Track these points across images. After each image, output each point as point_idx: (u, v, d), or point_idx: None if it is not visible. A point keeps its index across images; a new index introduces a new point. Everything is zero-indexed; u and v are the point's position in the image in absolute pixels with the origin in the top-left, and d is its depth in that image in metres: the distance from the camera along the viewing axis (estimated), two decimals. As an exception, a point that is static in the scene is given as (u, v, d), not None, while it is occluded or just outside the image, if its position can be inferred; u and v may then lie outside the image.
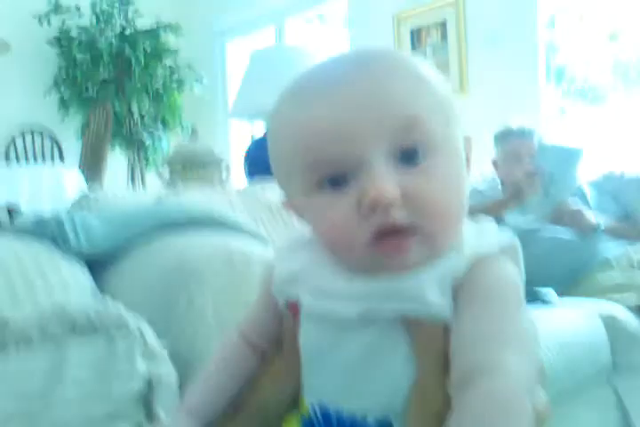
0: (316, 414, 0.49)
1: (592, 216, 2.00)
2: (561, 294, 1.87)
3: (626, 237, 2.05)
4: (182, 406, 0.55)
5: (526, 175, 1.88)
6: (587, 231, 1.99)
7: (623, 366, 1.67)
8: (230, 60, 4.75)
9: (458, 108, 0.49)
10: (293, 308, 0.51)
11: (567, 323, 1.52)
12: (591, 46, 7.48)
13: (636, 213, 2.13)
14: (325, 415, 0.49)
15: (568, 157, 1.89)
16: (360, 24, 3.71)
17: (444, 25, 3.32)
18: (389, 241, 0.44)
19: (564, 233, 1.97)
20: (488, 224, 0.50)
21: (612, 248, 1.99)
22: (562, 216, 1.94)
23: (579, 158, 1.89)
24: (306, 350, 0.50)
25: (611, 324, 1.65)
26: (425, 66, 0.48)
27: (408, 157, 0.44)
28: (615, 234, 2.04)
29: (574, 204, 1.98)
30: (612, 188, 2.21)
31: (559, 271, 1.88)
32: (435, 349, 0.45)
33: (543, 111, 3.11)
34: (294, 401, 0.52)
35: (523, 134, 2.08)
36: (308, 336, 0.50)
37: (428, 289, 0.44)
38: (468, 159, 0.50)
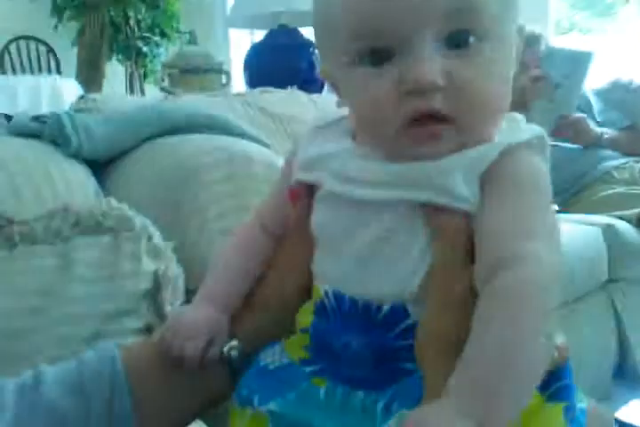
0: (329, 299, 0.49)
1: (594, 126, 1.97)
2: (561, 208, 1.88)
3: (629, 150, 2.03)
4: (201, 292, 0.54)
5: (531, 80, 1.83)
6: (589, 142, 1.97)
7: (620, 277, 1.70)
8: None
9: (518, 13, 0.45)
10: (299, 192, 0.51)
11: (567, 234, 1.53)
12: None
13: (641, 124, 2.10)
14: (339, 300, 0.48)
15: (577, 60, 1.82)
16: None
17: None
18: (423, 128, 0.42)
19: (565, 144, 1.95)
20: (517, 115, 0.48)
21: (614, 160, 1.98)
22: (563, 126, 1.91)
23: (589, 61, 1.82)
24: (320, 235, 0.50)
25: (610, 235, 1.67)
26: None
27: (457, 39, 0.42)
28: (618, 146, 2.02)
29: (578, 113, 1.95)
30: (618, 97, 2.16)
31: (559, 182, 1.88)
32: (453, 239, 0.44)
33: (551, 23, 2.99)
34: (309, 290, 0.52)
35: (530, 40, 2.00)
36: (322, 220, 0.50)
37: (454, 177, 0.43)
38: (518, 50, 0.47)
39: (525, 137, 0.45)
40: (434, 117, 0.42)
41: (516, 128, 0.46)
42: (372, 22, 0.42)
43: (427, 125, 0.42)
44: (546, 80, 1.82)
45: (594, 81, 2.02)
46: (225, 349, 0.51)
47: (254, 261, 0.55)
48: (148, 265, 0.76)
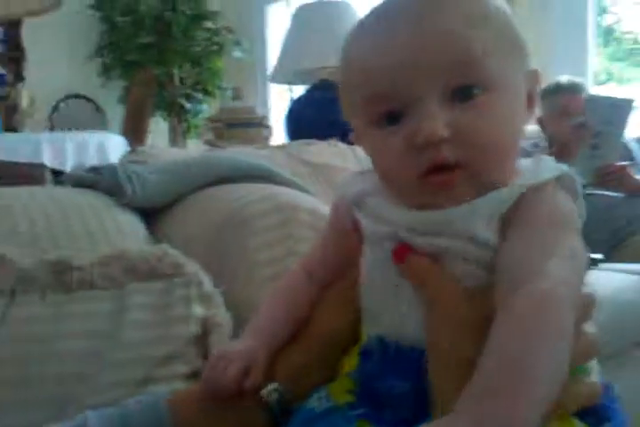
0: (374, 344, 0.50)
1: (638, 174, 1.96)
2: (605, 257, 1.85)
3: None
4: (247, 329, 0.56)
5: (574, 128, 1.84)
6: (632, 190, 1.95)
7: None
8: (269, 24, 4.71)
9: (522, 38, 0.48)
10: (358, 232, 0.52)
11: (614, 284, 1.50)
12: (640, 6, 7.18)
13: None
14: (384, 346, 0.49)
15: (617, 108, 1.83)
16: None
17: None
18: (437, 177, 0.45)
19: (608, 192, 1.94)
20: (545, 157, 0.50)
21: (658, 209, 1.95)
22: (606, 175, 1.90)
23: (629, 109, 1.83)
24: (363, 278, 0.51)
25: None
26: (503, 4, 0.48)
27: (462, 92, 0.45)
28: (662, 195, 2.00)
29: (621, 161, 1.94)
30: (660, 145, 2.16)
31: (603, 231, 1.85)
32: (422, 278, 0.46)
33: (590, 73, 3.01)
34: (357, 333, 0.53)
35: (573, 89, 2.02)
36: (366, 263, 0.51)
37: (475, 222, 0.45)
38: (532, 94, 0.50)
39: (547, 176, 0.47)
40: (447, 167, 0.45)
41: (539, 168, 0.48)
42: (383, 87, 0.46)
43: (442, 174, 0.45)
44: (587, 127, 1.83)
45: (635, 129, 2.02)
46: (265, 392, 0.52)
47: (297, 310, 0.56)
48: (198, 310, 0.78)
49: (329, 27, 2.43)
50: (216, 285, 0.82)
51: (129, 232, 0.93)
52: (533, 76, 0.50)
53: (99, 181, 1.01)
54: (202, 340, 0.77)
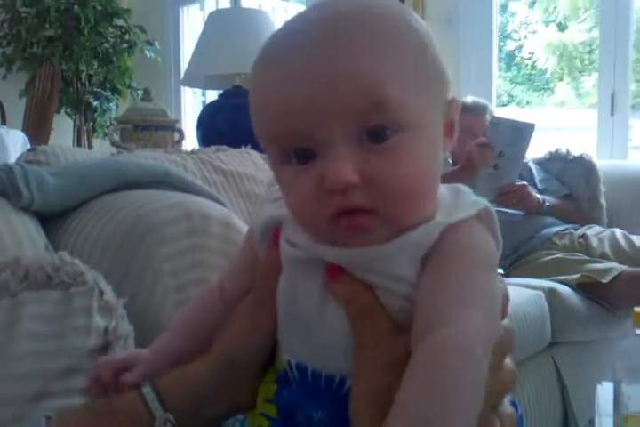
0: (292, 370, 0.49)
1: (536, 194, 2.06)
2: (504, 272, 1.93)
3: (568, 217, 2.12)
4: (150, 346, 0.56)
5: (478, 147, 1.91)
6: (531, 209, 2.04)
7: (563, 340, 1.74)
8: (183, 26, 4.63)
9: (441, 64, 0.46)
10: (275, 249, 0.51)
11: (515, 298, 1.57)
12: (540, 34, 7.62)
13: (579, 193, 2.21)
14: (302, 373, 0.48)
15: (520, 131, 1.92)
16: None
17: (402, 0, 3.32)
18: (348, 220, 0.43)
19: (508, 209, 2.02)
20: (463, 189, 0.49)
21: (554, 227, 2.06)
22: (507, 193, 1.98)
23: (530, 133, 1.93)
24: (279, 304, 0.50)
25: (552, 299, 1.72)
26: (409, 21, 0.45)
27: (374, 134, 0.43)
28: (558, 213, 2.11)
29: (520, 181, 2.03)
30: (557, 167, 2.28)
31: (504, 248, 1.93)
32: (369, 308, 0.45)
33: (493, 95, 3.15)
34: (270, 357, 0.52)
35: (477, 109, 2.10)
36: (283, 289, 0.50)
37: (398, 261, 0.44)
38: (452, 123, 0.48)
39: (466, 213, 0.46)
40: (357, 211, 0.43)
41: (458, 204, 0.47)
42: (287, 127, 0.43)
43: (353, 217, 0.43)
44: (490, 148, 1.90)
45: (534, 151, 2.12)
46: (157, 423, 0.49)
47: (198, 324, 0.56)
48: (99, 321, 0.74)
49: (243, 33, 2.41)
50: (118, 295, 0.79)
51: (25, 238, 0.88)
52: (453, 104, 0.48)
53: (-6, 181, 0.95)
54: (102, 352, 0.73)
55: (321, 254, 0.46)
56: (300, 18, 0.46)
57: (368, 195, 0.42)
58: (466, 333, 0.40)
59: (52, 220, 0.99)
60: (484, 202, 0.48)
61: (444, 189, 0.48)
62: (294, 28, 0.46)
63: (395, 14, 0.45)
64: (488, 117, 2.10)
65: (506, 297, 0.49)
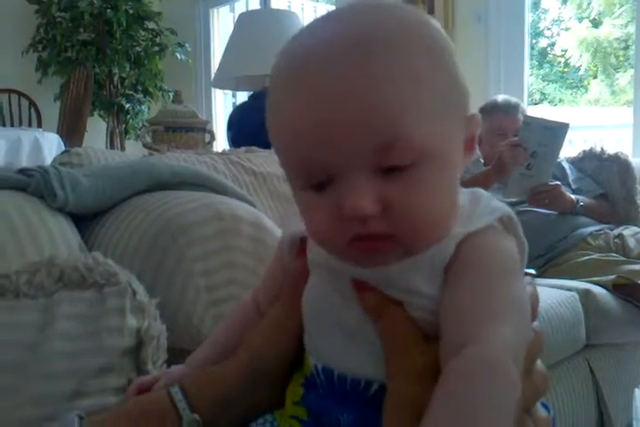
0: (319, 374, 0.49)
1: (570, 194, 2.02)
2: (538, 273, 1.90)
3: (603, 218, 2.08)
4: (188, 359, 0.57)
5: (510, 147, 1.88)
6: (565, 209, 2.01)
7: (597, 343, 1.71)
8: (214, 28, 4.67)
9: (461, 79, 0.45)
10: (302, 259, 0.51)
11: (545, 298, 1.55)
12: (574, 31, 7.51)
13: (614, 193, 2.16)
14: (328, 376, 0.48)
15: (554, 131, 1.89)
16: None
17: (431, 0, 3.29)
18: (365, 244, 0.43)
19: (541, 209, 1.99)
20: (482, 195, 0.48)
21: (589, 227, 2.02)
22: (540, 193, 1.96)
23: (565, 132, 1.89)
24: (308, 309, 0.51)
25: (587, 301, 1.68)
26: (426, 36, 0.43)
27: (393, 165, 0.42)
28: (592, 213, 2.07)
29: (553, 181, 2.00)
30: (591, 166, 2.24)
31: (536, 248, 1.90)
32: (398, 319, 0.45)
33: (525, 93, 3.11)
34: (298, 362, 0.52)
35: (508, 108, 2.07)
36: (310, 295, 0.51)
37: (415, 278, 0.44)
38: (472, 139, 0.47)
39: (485, 221, 0.45)
40: (375, 237, 0.42)
41: (476, 211, 0.46)
42: (302, 156, 0.43)
43: (370, 242, 0.43)
44: (522, 148, 1.87)
45: (567, 149, 2.09)
46: (184, 424, 0.50)
47: (232, 335, 0.56)
48: (132, 321, 0.75)
49: (273, 35, 2.42)
50: (151, 295, 0.79)
51: (59, 238, 0.89)
52: (473, 120, 0.47)
53: (29, 183, 0.96)
54: (135, 352, 0.74)
55: (341, 268, 0.47)
56: (316, 33, 0.44)
57: (386, 222, 0.42)
58: (496, 349, 0.40)
59: (85, 220, 1.00)
60: (503, 207, 0.47)
61: (463, 195, 0.47)
62: (312, 47, 0.43)
63: (410, 31, 0.43)
64: (520, 117, 2.07)
65: (535, 299, 0.48)
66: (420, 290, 0.44)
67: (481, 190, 0.49)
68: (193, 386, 0.52)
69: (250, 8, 4.52)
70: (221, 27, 4.67)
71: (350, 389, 0.47)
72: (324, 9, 5.98)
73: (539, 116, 1.99)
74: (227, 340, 0.57)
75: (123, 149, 4.26)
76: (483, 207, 0.47)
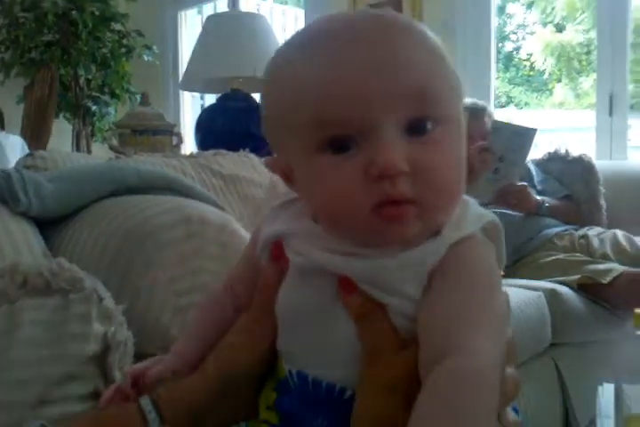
0: (293, 378, 0.49)
1: (535, 195, 2.05)
2: (504, 273, 1.92)
3: (568, 219, 2.11)
4: (172, 348, 0.57)
5: (479, 152, 1.90)
6: (531, 210, 2.04)
7: (563, 342, 1.73)
8: (181, 31, 4.64)
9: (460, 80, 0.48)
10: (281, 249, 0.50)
11: (516, 299, 1.57)
12: (538, 35, 7.63)
13: (578, 194, 2.20)
14: (302, 381, 0.48)
15: (522, 136, 1.91)
16: (316, 1, 3.66)
17: (399, 4, 3.31)
18: (391, 210, 0.42)
19: (508, 211, 2.02)
20: (468, 200, 0.49)
21: (554, 228, 2.05)
22: (507, 194, 1.98)
23: (532, 138, 1.92)
24: (283, 313, 0.50)
25: (552, 300, 1.71)
26: (433, 36, 0.47)
27: (417, 125, 0.43)
28: (557, 214, 2.10)
29: (519, 182, 2.03)
30: (556, 168, 2.27)
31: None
32: (379, 325, 0.45)
33: (492, 96, 3.15)
34: (270, 367, 0.52)
35: (475, 112, 2.10)
36: (284, 298, 0.50)
37: (403, 276, 0.44)
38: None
39: (473, 227, 0.46)
40: (400, 202, 0.43)
41: (465, 216, 0.47)
42: (338, 111, 0.42)
43: (397, 206, 0.42)
44: (491, 152, 1.90)
45: (533, 152, 2.12)
46: None
47: (211, 328, 0.56)
48: (98, 328, 0.74)
49: (241, 37, 2.41)
50: (118, 301, 0.78)
51: (22, 244, 0.88)
52: (464, 107, 0.49)
53: (-8, 187, 0.94)
54: (101, 359, 0.73)
55: (325, 263, 0.46)
56: (339, 14, 0.47)
57: (413, 184, 0.42)
58: (479, 360, 0.40)
59: (49, 225, 0.99)
60: (489, 214, 0.48)
61: None
62: (337, 18, 0.46)
63: (421, 27, 0.47)
64: (487, 119, 2.10)
65: (507, 305, 0.49)
66: (404, 290, 0.44)
67: (467, 197, 0.49)
68: (162, 399, 0.51)
69: (218, 11, 4.49)
70: (189, 29, 4.63)
71: (325, 394, 0.47)
72: (293, 12, 5.98)
73: (506, 120, 2.02)
74: (208, 335, 0.56)
75: (89, 151, 4.19)
76: (471, 213, 0.47)
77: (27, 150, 2.97)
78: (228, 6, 4.21)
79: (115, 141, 2.36)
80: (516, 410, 0.49)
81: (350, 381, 0.46)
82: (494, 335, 0.42)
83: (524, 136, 1.91)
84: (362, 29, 0.43)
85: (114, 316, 0.76)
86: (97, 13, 4.06)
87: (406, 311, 0.45)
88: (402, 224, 0.43)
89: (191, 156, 1.68)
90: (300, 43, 0.46)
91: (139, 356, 0.76)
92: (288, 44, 0.47)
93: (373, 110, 0.42)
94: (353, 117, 0.42)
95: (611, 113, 2.71)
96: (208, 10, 4.60)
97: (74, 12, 3.99)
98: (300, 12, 4.81)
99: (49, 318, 0.71)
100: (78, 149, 4.13)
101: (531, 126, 1.94)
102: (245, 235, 0.95)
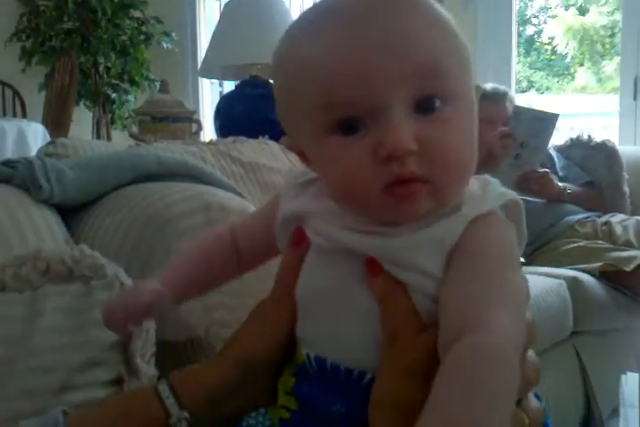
0: (311, 363, 0.49)
1: (557, 181, 2.03)
2: (526, 260, 1.91)
3: (590, 205, 2.09)
4: (160, 275, 0.56)
5: (500, 138, 1.88)
6: (553, 196, 2.02)
7: (585, 330, 1.72)
8: (200, 17, 4.62)
9: (471, 55, 0.48)
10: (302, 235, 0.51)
11: (532, 286, 1.55)
12: (560, 18, 7.51)
13: (600, 180, 2.17)
14: (321, 365, 0.48)
15: (544, 121, 1.89)
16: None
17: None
18: (402, 189, 0.43)
19: (530, 197, 2.00)
20: (491, 181, 0.49)
21: (576, 215, 2.03)
22: (529, 180, 1.96)
23: (554, 123, 1.89)
24: (302, 297, 0.50)
25: (574, 288, 1.70)
26: (444, 10, 0.46)
27: (424, 105, 0.43)
28: (580, 201, 2.08)
29: (541, 169, 2.00)
30: (579, 154, 2.24)
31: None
32: (395, 306, 0.45)
33: (513, 81, 3.11)
34: (289, 353, 0.52)
35: (496, 97, 2.07)
36: (303, 282, 0.50)
37: (423, 254, 0.44)
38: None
39: (492, 204, 0.46)
40: (411, 180, 0.43)
41: (485, 195, 0.47)
42: (345, 93, 0.43)
43: (407, 186, 0.43)
44: (512, 138, 1.88)
45: (554, 137, 2.09)
46: (173, 420, 0.49)
47: (209, 266, 0.56)
48: (119, 315, 0.74)
49: (260, 23, 2.39)
50: (138, 287, 0.79)
51: (45, 231, 0.89)
52: (477, 91, 0.49)
53: (13, 175, 0.95)
54: (123, 345, 0.74)
55: (345, 242, 0.46)
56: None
57: (422, 163, 0.43)
58: (499, 338, 0.40)
59: (71, 213, 0.99)
60: (511, 193, 0.48)
61: (473, 181, 0.48)
62: (337, 3, 0.45)
63: (430, 1, 0.46)
64: (508, 104, 2.07)
65: (527, 289, 0.49)
66: (424, 267, 0.44)
67: (489, 177, 0.50)
68: (180, 384, 0.51)
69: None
70: (208, 15, 4.62)
71: (344, 378, 0.46)
72: (311, -3, 5.93)
73: (527, 105, 2.00)
74: (204, 273, 0.57)
75: (109, 139, 4.22)
76: (492, 191, 0.47)
77: (48, 138, 3.00)
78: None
79: (135, 129, 2.37)
80: (538, 397, 0.49)
81: (369, 365, 0.46)
82: (514, 314, 0.42)
83: (545, 121, 1.88)
84: (369, 7, 0.43)
85: (135, 302, 0.76)
86: (116, 0, 4.07)
87: (428, 291, 0.45)
88: (413, 202, 0.44)
89: (211, 143, 1.68)
90: (305, 24, 0.46)
91: (160, 343, 0.77)
92: (295, 24, 0.47)
93: (380, 92, 0.42)
94: (360, 99, 0.42)
95: (635, 97, 2.66)
96: (226, -4, 4.58)
97: (93, 0, 3.99)
98: (319, -2, 4.78)
99: (71, 305, 0.71)
100: (98, 137, 4.16)
101: (552, 111, 1.91)
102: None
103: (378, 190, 0.43)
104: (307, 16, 0.47)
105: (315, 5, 0.46)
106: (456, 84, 0.45)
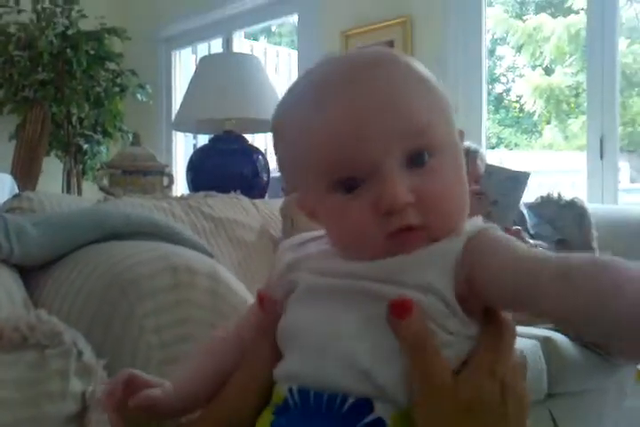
0: (293, 397, 0.48)
1: (529, 239, 2.04)
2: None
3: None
4: (170, 378, 0.57)
5: (473, 196, 1.89)
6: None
7: (559, 391, 1.69)
8: (175, 71, 4.67)
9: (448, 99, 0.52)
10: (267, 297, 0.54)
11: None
12: (528, 78, 7.79)
13: (572, 238, 2.19)
14: (304, 396, 0.48)
15: (515, 181, 1.92)
16: (308, 40, 3.71)
17: (391, 44, 3.36)
18: (405, 236, 0.47)
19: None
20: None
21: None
22: None
23: (525, 182, 1.93)
24: (289, 333, 0.51)
25: (548, 349, 1.68)
26: (426, 69, 0.51)
27: (417, 158, 0.48)
28: (551, 258, 2.08)
29: (512, 227, 2.01)
30: (549, 212, 2.27)
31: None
32: (421, 338, 0.46)
33: (483, 138, 3.17)
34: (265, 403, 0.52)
35: (468, 155, 2.09)
36: (293, 318, 0.51)
37: (430, 270, 0.47)
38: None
39: (477, 226, 0.51)
40: (411, 229, 0.48)
41: (470, 223, 0.52)
42: (339, 156, 0.47)
43: (409, 234, 0.47)
44: (485, 196, 1.89)
45: (524, 194, 2.12)
46: None
47: (224, 367, 0.56)
48: (76, 385, 0.70)
49: (235, 78, 2.42)
50: (100, 354, 0.75)
51: (2, 292, 0.84)
52: (461, 135, 0.53)
53: (-27, 233, 0.91)
54: (80, 418, 0.69)
55: (350, 270, 0.49)
56: (337, 57, 0.52)
57: (419, 213, 0.47)
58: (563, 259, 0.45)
59: (32, 272, 0.96)
60: (489, 223, 0.52)
61: None
62: (335, 62, 0.50)
63: (407, 59, 0.51)
64: (479, 162, 2.10)
65: (524, 359, 0.51)
66: (432, 283, 0.46)
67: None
68: None
69: (212, 50, 4.54)
70: (183, 69, 4.68)
71: (325, 407, 0.47)
72: (287, 53, 6.06)
73: (498, 162, 2.02)
74: (213, 370, 0.57)
75: (80, 190, 4.18)
76: (473, 221, 0.52)
77: (16, 189, 2.94)
78: (222, 46, 4.26)
79: (105, 182, 2.34)
80: None
81: (353, 387, 0.46)
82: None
83: (517, 181, 1.92)
84: (361, 72, 0.48)
85: (94, 371, 0.72)
86: (92, 52, 4.10)
87: (436, 313, 0.46)
88: (413, 246, 0.48)
89: (181, 197, 1.66)
90: (301, 93, 0.51)
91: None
92: (291, 93, 0.52)
93: (375, 150, 0.47)
94: (357, 159, 0.47)
95: (602, 156, 2.72)
96: (202, 49, 4.64)
97: (69, 51, 4.02)
98: (294, 53, 4.88)
99: (23, 376, 0.67)
100: (69, 188, 4.11)
101: (523, 171, 1.94)
102: (235, 283, 0.92)
103: (381, 239, 0.48)
104: (301, 87, 0.51)
105: (308, 71, 0.51)
106: (442, 135, 0.49)
